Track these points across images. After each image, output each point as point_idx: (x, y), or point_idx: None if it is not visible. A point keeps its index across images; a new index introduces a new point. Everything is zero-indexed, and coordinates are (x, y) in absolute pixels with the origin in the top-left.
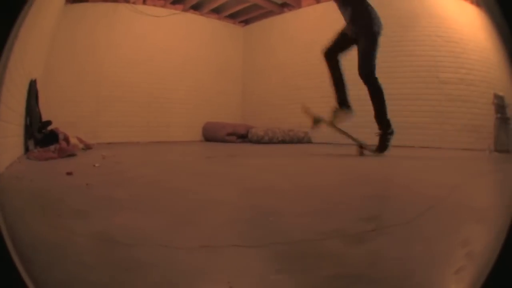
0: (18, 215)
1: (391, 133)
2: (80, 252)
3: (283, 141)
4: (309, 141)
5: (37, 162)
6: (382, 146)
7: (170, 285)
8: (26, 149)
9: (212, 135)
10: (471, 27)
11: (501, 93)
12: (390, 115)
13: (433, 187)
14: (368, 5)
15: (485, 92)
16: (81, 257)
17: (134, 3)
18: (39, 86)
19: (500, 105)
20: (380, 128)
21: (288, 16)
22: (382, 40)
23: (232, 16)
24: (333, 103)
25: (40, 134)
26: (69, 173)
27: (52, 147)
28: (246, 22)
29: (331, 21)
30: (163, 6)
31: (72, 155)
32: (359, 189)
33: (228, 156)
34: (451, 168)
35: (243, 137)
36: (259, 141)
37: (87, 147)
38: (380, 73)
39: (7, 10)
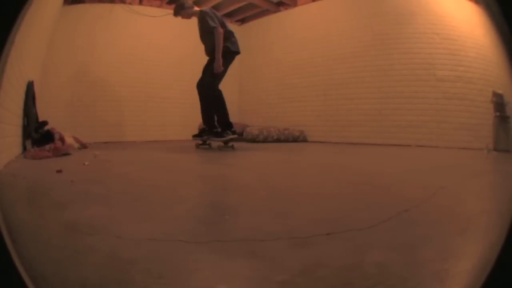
0: (11, 206)
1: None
2: (50, 237)
3: (278, 140)
4: (305, 140)
5: (33, 160)
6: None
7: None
8: (24, 149)
9: None
10: (468, 24)
11: (500, 91)
12: (388, 113)
13: (417, 188)
14: None
15: (484, 90)
16: (49, 240)
17: (130, 3)
18: (36, 87)
19: (499, 103)
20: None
21: (284, 15)
22: (379, 38)
23: (228, 15)
24: (327, 101)
25: (37, 134)
26: (58, 171)
27: (47, 147)
28: (243, 21)
29: (326, 19)
30: (159, 6)
31: (66, 154)
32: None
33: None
34: (442, 168)
35: (239, 135)
36: (254, 140)
37: (83, 146)
38: (376, 71)
39: (5, 13)
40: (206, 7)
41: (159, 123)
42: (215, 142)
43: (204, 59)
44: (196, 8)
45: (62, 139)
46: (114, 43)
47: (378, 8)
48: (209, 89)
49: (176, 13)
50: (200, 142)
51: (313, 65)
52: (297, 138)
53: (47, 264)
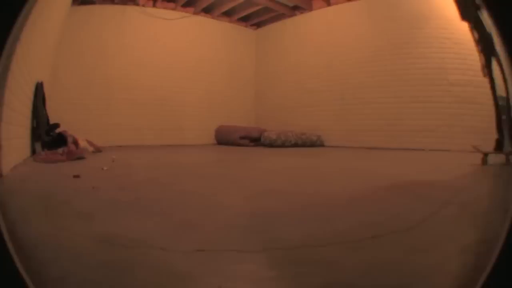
0: (22, 216)
1: None
2: (80, 252)
3: (295, 145)
4: (322, 144)
5: (44, 164)
6: None
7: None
8: (33, 151)
9: (225, 138)
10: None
11: (504, 95)
12: (403, 117)
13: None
14: None
15: (491, 94)
16: (80, 257)
17: (143, 5)
18: (47, 88)
19: (504, 106)
20: None
21: (300, 19)
22: (393, 43)
23: (244, 19)
24: (344, 105)
25: (48, 137)
26: (76, 176)
27: (60, 150)
28: (258, 25)
29: (341, 23)
30: (174, 9)
31: (81, 158)
32: None
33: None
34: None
35: (256, 140)
36: (271, 144)
37: (97, 150)
38: (392, 76)
39: (4, 13)
40: None
41: (175, 127)
42: None
43: (222, 65)
44: None
45: (75, 142)
46: (128, 45)
47: (392, 12)
48: None
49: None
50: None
51: (329, 70)
52: (315, 143)
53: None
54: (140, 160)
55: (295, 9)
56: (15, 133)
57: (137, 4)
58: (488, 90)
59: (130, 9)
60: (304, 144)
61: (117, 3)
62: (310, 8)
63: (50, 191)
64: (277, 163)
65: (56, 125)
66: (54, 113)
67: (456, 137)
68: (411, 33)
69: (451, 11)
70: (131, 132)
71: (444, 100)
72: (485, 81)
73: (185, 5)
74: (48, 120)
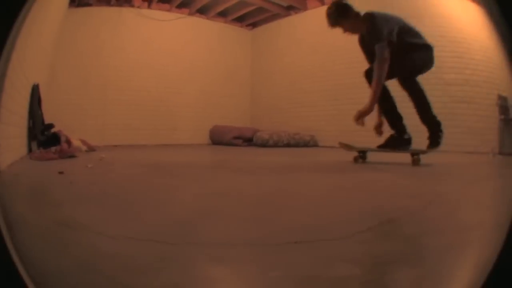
0: (11, 203)
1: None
2: (44, 231)
3: (288, 145)
4: (315, 145)
5: (38, 162)
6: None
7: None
8: (30, 150)
9: (218, 138)
10: (473, 25)
11: (504, 94)
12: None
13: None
14: None
15: (489, 93)
16: (43, 235)
17: (139, 7)
18: (44, 90)
19: (503, 106)
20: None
21: (295, 19)
22: None
23: (239, 20)
24: (338, 106)
25: (43, 136)
26: (60, 172)
27: (53, 149)
28: (254, 25)
29: None
30: (169, 10)
31: (72, 156)
32: None
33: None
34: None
35: (249, 140)
36: (264, 144)
37: (90, 149)
38: None
39: (2, 19)
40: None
41: (170, 127)
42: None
43: (217, 65)
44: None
45: (68, 142)
46: (123, 47)
47: (386, 11)
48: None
49: (335, 22)
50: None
51: (323, 70)
52: (308, 143)
53: (41, 253)
54: (128, 158)
55: (290, 9)
56: (12, 133)
57: (133, 6)
58: (485, 89)
59: (125, 11)
60: (297, 145)
61: (113, 5)
62: (304, 8)
63: (35, 184)
64: (255, 163)
65: (51, 125)
66: (51, 114)
67: (452, 138)
68: None
69: (447, 8)
70: (127, 132)
71: (440, 99)
72: (482, 80)
73: (180, 6)
74: (43, 120)
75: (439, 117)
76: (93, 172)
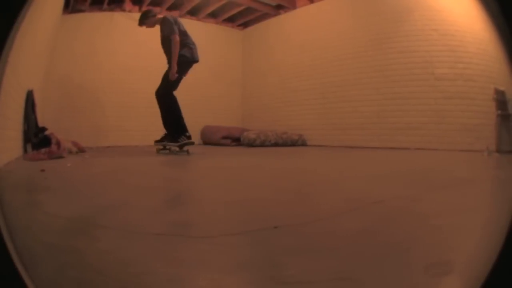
0: (4, 192)
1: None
2: (16, 210)
3: (276, 144)
4: (304, 144)
5: (29, 162)
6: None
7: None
8: (25, 151)
9: (209, 138)
10: (467, 17)
11: (501, 88)
12: (385, 115)
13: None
14: None
15: (485, 87)
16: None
17: (129, 11)
18: (39, 94)
19: (501, 100)
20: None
21: (284, 18)
22: (376, 38)
23: (229, 20)
24: (326, 104)
25: (36, 139)
26: (42, 170)
27: (43, 150)
28: (245, 25)
29: (324, 20)
30: (159, 13)
31: (60, 157)
32: None
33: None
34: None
35: (238, 140)
36: (251, 144)
37: (81, 150)
38: (374, 72)
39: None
40: (168, 15)
41: (161, 128)
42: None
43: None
44: (159, 16)
45: (58, 144)
46: (115, 50)
47: (375, 7)
48: (164, 96)
49: (140, 23)
50: (161, 147)
51: (312, 68)
52: (296, 142)
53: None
54: (110, 158)
55: (279, 8)
56: (8, 137)
57: (124, 10)
58: (480, 84)
59: (117, 16)
60: (285, 144)
61: (105, 10)
62: (293, 7)
63: (20, 178)
64: (226, 163)
65: (44, 129)
66: (46, 116)
67: (444, 135)
68: (394, 26)
69: (438, 1)
70: (119, 133)
71: (430, 96)
72: (477, 74)
73: (170, 9)
74: (36, 124)
75: (429, 114)
76: (68, 170)
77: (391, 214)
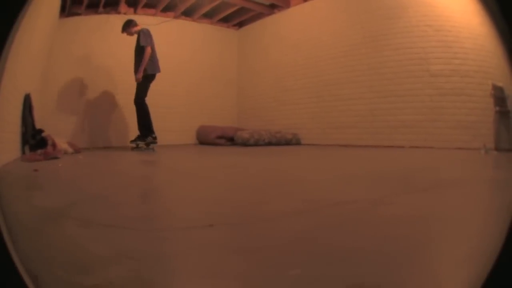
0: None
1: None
2: (11, 202)
3: (269, 143)
4: (298, 143)
5: (26, 162)
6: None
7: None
8: (23, 153)
9: (204, 138)
10: (463, 12)
11: (500, 84)
12: (379, 113)
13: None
14: None
15: (483, 83)
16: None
17: (125, 13)
18: (37, 97)
19: (499, 97)
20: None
21: (278, 17)
22: (369, 35)
23: (224, 20)
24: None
25: (33, 140)
26: (35, 170)
27: (39, 151)
28: (240, 25)
29: (318, 18)
30: (154, 14)
31: (55, 158)
32: None
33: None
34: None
35: (232, 139)
36: (244, 143)
37: (77, 151)
38: (367, 70)
39: None
40: (146, 28)
41: (158, 128)
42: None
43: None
44: (138, 28)
45: (53, 145)
46: (112, 53)
47: (368, 4)
48: (138, 104)
49: (123, 30)
50: (134, 145)
51: (306, 67)
52: (290, 141)
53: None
54: (102, 159)
55: (274, 7)
56: (6, 139)
57: (119, 13)
58: (477, 79)
59: (113, 18)
60: (278, 143)
61: (100, 13)
62: (287, 5)
63: (16, 177)
64: (207, 163)
65: (41, 130)
66: (45, 119)
67: (439, 133)
68: (388, 23)
69: None
70: (116, 134)
71: (425, 93)
72: (474, 70)
73: (165, 10)
74: (34, 126)
75: (425, 111)
76: (59, 170)
77: (341, 218)
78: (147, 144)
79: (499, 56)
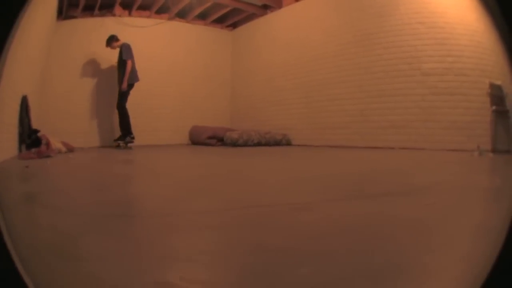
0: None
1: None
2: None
3: (259, 144)
4: (288, 143)
5: (22, 160)
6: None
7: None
8: (20, 151)
9: (196, 138)
10: (458, 8)
11: (497, 82)
12: (369, 113)
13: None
14: None
15: (479, 81)
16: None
17: (120, 16)
18: (34, 98)
19: (496, 95)
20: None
21: (271, 17)
22: (360, 34)
23: (218, 21)
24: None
25: (29, 140)
26: (26, 167)
27: (33, 150)
28: (234, 26)
29: (309, 18)
30: (149, 16)
31: (48, 156)
32: None
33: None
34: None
35: (223, 140)
36: (234, 144)
37: (70, 150)
38: (357, 70)
39: None
40: (126, 42)
41: (151, 128)
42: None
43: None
44: (120, 42)
45: (47, 144)
46: (107, 54)
47: (359, 2)
48: (120, 109)
49: (107, 45)
50: (116, 144)
51: (296, 67)
52: (280, 142)
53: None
54: (88, 158)
55: (266, 8)
56: (4, 138)
57: (114, 15)
58: (472, 78)
59: (108, 20)
60: (268, 143)
61: (96, 16)
62: (280, 6)
63: (8, 172)
64: (181, 162)
65: (36, 130)
66: (41, 119)
67: (431, 133)
68: (379, 21)
69: None
70: (110, 134)
71: (416, 92)
72: (469, 68)
73: (159, 12)
74: (30, 126)
75: (416, 111)
76: (47, 167)
77: (238, 220)
78: (126, 143)
79: (497, 53)
